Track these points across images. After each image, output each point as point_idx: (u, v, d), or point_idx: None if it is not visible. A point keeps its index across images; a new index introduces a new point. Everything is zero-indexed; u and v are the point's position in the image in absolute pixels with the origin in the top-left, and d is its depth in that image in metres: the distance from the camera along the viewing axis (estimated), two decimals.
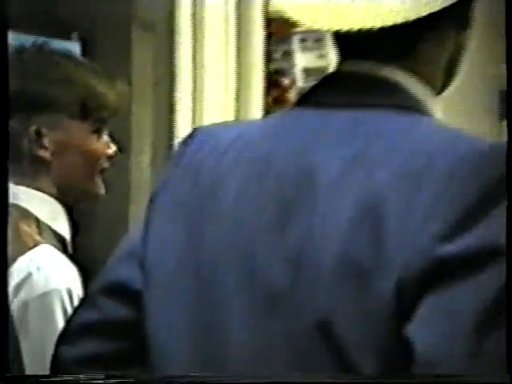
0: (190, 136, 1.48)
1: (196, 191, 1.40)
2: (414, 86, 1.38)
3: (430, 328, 1.26)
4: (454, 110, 3.26)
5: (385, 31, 1.32)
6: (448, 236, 1.26)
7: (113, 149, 2.15)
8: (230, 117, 3.21)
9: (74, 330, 1.49)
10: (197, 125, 3.08)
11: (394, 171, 1.29)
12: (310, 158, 1.34)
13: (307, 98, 1.43)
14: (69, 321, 1.52)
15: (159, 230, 1.42)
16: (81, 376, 1.43)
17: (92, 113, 2.11)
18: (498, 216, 1.26)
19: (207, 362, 1.37)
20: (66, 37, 3.08)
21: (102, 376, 1.41)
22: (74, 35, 3.09)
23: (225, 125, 1.66)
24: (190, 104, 3.21)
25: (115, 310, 1.45)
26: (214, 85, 3.24)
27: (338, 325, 1.28)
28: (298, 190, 1.33)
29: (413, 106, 1.37)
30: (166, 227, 1.41)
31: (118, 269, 1.46)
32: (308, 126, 1.37)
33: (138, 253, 1.43)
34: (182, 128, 3.11)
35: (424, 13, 1.32)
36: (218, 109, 3.23)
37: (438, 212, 1.27)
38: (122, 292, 1.44)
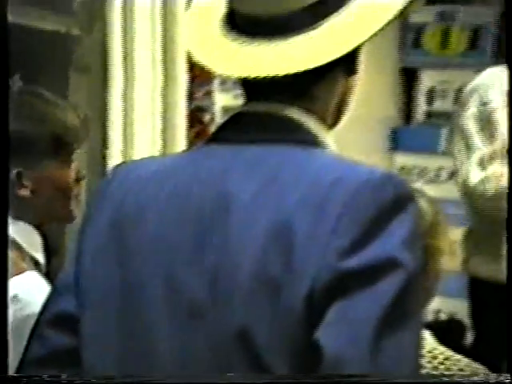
0: (114, 172, 1.48)
1: (121, 219, 1.39)
2: (311, 123, 1.40)
3: (336, 333, 1.27)
4: (349, 143, 3.30)
5: (285, 77, 1.34)
6: (349, 252, 1.28)
7: (82, 173, 2.15)
8: (157, 150, 3.24)
9: (27, 364, 1.47)
10: (128, 158, 3.12)
11: (300, 197, 1.31)
12: (224, 187, 1.35)
13: (218, 135, 1.44)
14: (22, 358, 1.50)
15: (90, 259, 1.41)
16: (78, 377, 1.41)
17: (65, 146, 2.09)
18: (393, 231, 1.29)
19: (134, 371, 1.37)
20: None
21: (104, 377, 1.39)
22: (16, 77, 3.07)
23: (146, 159, 1.67)
24: (121, 139, 3.22)
25: (61, 339, 1.44)
26: (142, 122, 3.27)
27: (256, 334, 1.29)
28: (215, 215, 1.34)
29: (310, 141, 1.39)
30: (96, 255, 1.41)
31: (58, 301, 1.44)
32: (221, 158, 1.38)
33: (73, 282, 1.42)
34: (115, 161, 3.11)
35: (321, 62, 1.35)
36: (146, 143, 3.25)
37: (340, 231, 1.29)
38: (64, 322, 1.43)
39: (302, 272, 1.28)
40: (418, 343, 1.34)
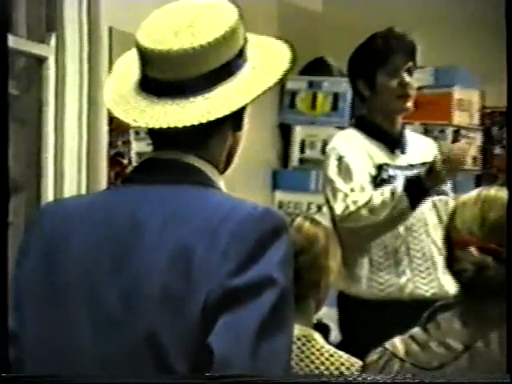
0: (42, 210, 1.49)
1: (51, 247, 1.38)
2: (206, 169, 1.41)
3: (224, 338, 1.28)
4: (238, 183, 3.30)
5: (186, 130, 1.35)
6: (236, 273, 1.29)
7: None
8: (83, 188, 3.21)
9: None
10: (58, 196, 3.08)
11: (197, 228, 1.32)
12: (136, 218, 1.35)
13: (132, 176, 1.45)
14: None
15: (26, 279, 1.39)
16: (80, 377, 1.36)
17: None
18: (270, 256, 1.30)
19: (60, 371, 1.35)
20: None
21: (105, 378, 1.35)
22: None
23: (71, 197, 1.66)
24: (52, 181, 3.20)
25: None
26: (71, 166, 3.24)
27: (161, 339, 1.29)
28: (128, 241, 1.34)
29: (206, 183, 1.40)
30: (31, 278, 1.39)
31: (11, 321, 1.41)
32: (134, 195, 1.38)
33: (15, 302, 1.40)
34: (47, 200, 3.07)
35: (213, 118, 1.36)
36: (74, 183, 3.23)
37: (229, 256, 1.30)
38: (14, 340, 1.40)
39: (199, 289, 1.28)
40: (290, 346, 1.35)
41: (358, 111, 3.42)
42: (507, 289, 1.10)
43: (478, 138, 4.28)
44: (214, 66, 1.36)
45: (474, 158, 4.24)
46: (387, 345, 1.81)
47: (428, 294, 2.81)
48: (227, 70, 1.37)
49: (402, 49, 2.88)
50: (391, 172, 2.87)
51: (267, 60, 1.41)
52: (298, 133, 4.32)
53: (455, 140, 4.09)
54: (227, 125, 1.40)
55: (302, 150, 4.33)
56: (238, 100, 1.37)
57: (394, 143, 2.93)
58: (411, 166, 2.91)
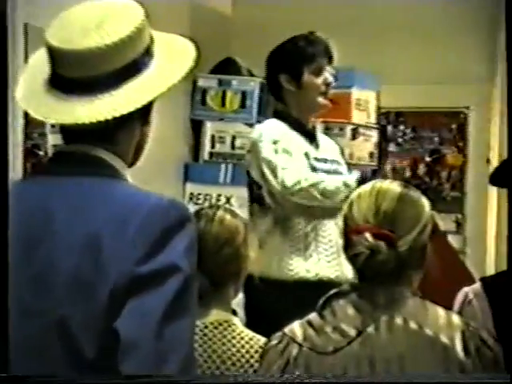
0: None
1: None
2: (115, 162, 1.41)
3: (130, 322, 1.29)
4: (151, 175, 3.29)
5: (94, 124, 1.35)
6: (143, 261, 1.30)
7: None
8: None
9: None
10: None
11: (107, 218, 1.34)
12: (48, 207, 1.35)
13: (45, 168, 1.46)
14: None
15: None
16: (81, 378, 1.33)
17: None
18: (175, 245, 1.31)
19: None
20: None
21: (105, 378, 1.32)
22: None
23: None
24: None
25: None
26: None
27: (72, 322, 1.29)
28: (41, 230, 1.34)
29: (114, 175, 1.40)
30: None
31: None
32: (46, 186, 1.38)
33: None
34: None
35: (120, 114, 1.36)
36: None
37: (137, 245, 1.31)
38: None
39: (107, 276, 1.29)
40: (193, 329, 1.36)
41: (267, 108, 3.44)
42: (508, 287, 1.09)
43: (374, 135, 4.35)
44: (121, 65, 1.36)
45: (371, 154, 4.32)
46: (286, 330, 1.83)
47: (332, 277, 2.87)
48: (133, 68, 1.38)
49: (325, 51, 2.98)
50: (314, 163, 2.92)
51: (172, 58, 1.42)
52: (209, 128, 4.33)
53: (354, 138, 4.15)
54: (135, 120, 1.41)
55: (212, 145, 4.33)
56: (144, 97, 1.37)
57: (310, 136, 2.99)
58: (326, 160, 2.98)
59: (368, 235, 1.77)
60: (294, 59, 2.96)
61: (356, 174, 2.87)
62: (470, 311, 1.97)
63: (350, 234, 1.82)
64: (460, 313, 1.97)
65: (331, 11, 4.37)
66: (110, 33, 1.35)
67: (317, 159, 2.96)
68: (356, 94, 4.25)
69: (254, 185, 2.96)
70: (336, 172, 3.00)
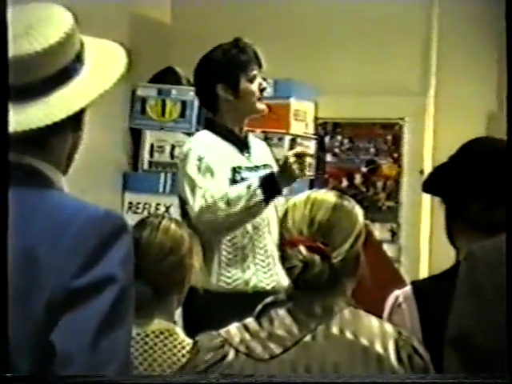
0: None
1: None
2: (48, 170, 1.39)
3: (66, 335, 1.27)
4: (90, 185, 3.24)
5: (27, 133, 1.32)
6: (79, 273, 1.27)
7: None
8: None
9: None
10: None
11: (42, 229, 1.30)
12: None
13: None
14: None
15: None
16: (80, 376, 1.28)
17: None
18: (112, 256, 1.29)
19: None
20: None
21: (107, 377, 1.27)
22: None
23: None
24: None
25: None
26: None
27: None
28: None
29: (49, 184, 1.38)
30: None
31: None
32: None
33: None
34: None
35: (52, 121, 1.34)
36: None
37: (72, 256, 1.28)
38: None
39: (43, 288, 1.26)
40: (129, 340, 1.35)
41: (205, 116, 3.44)
42: (507, 290, 1.11)
43: (312, 146, 4.38)
44: (52, 71, 1.34)
45: (309, 164, 4.33)
46: (222, 331, 1.82)
47: (269, 287, 2.89)
48: (65, 75, 1.36)
49: (255, 57, 3.01)
50: (244, 174, 2.94)
51: (103, 64, 1.40)
52: (148, 137, 4.30)
53: (292, 147, 4.17)
54: (67, 127, 1.39)
55: (152, 154, 4.30)
56: (75, 103, 1.36)
57: (242, 146, 3.01)
58: (257, 168, 3.00)
59: (302, 248, 1.77)
60: (229, 68, 2.97)
61: (260, 174, 2.90)
62: (399, 314, 1.99)
63: (285, 245, 1.82)
64: (390, 315, 2.00)
65: (271, 21, 4.39)
66: (39, 39, 1.33)
67: (248, 168, 2.98)
68: (294, 104, 4.27)
69: (181, 199, 2.99)
70: None
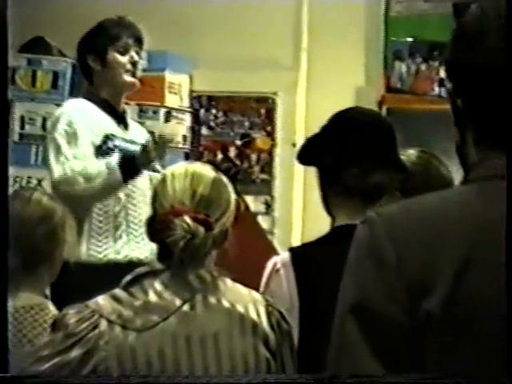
0: None
1: None
2: None
3: None
4: None
5: None
6: None
7: None
8: None
9: None
10: None
11: None
12: None
13: None
14: None
15: None
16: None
17: None
18: None
19: None
20: None
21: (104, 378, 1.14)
22: None
23: None
24: None
25: None
26: None
27: None
28: None
29: None
30: None
31: None
32: None
33: None
34: None
35: None
36: None
37: None
38: None
39: None
40: None
41: (81, 88, 3.41)
42: (507, 289, 1.06)
43: (187, 119, 4.33)
44: None
45: (184, 137, 4.29)
46: (90, 303, 1.77)
47: (141, 257, 2.86)
48: None
49: (132, 33, 3.01)
50: (117, 142, 2.91)
51: None
52: (18, 109, 4.15)
53: (167, 120, 4.12)
54: None
55: (22, 126, 4.15)
56: None
57: (119, 118, 3.00)
58: (135, 142, 2.97)
59: (187, 219, 1.75)
60: (98, 39, 3.00)
61: (118, 155, 2.89)
62: (277, 280, 2.01)
63: (165, 215, 1.78)
64: (268, 281, 2.02)
65: None
66: None
67: (124, 140, 2.96)
68: (169, 77, 4.22)
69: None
70: None
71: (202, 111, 4.48)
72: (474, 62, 1.14)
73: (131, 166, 2.82)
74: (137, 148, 2.91)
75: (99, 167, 2.81)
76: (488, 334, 1.04)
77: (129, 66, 2.98)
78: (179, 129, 4.22)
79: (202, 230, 1.76)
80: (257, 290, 1.97)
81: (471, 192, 1.13)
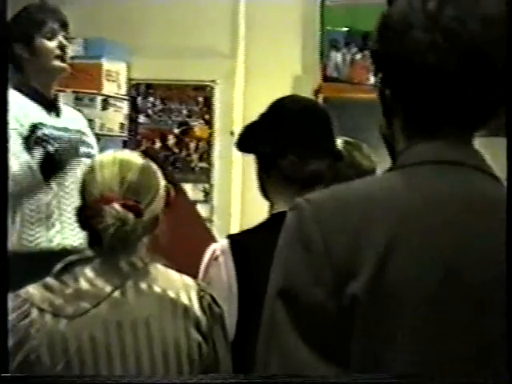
0: None
1: None
2: None
3: None
4: None
5: None
6: None
7: None
8: None
9: None
10: None
11: None
12: None
13: None
14: None
15: None
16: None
17: None
18: None
19: None
20: None
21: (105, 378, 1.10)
22: None
23: None
24: None
25: None
26: None
27: None
28: None
29: None
30: None
31: None
32: None
33: None
34: None
35: None
36: None
37: None
38: None
39: None
40: None
41: (13, 76, 3.34)
42: (507, 289, 1.04)
43: (124, 107, 4.29)
44: None
45: (122, 125, 4.26)
46: (20, 292, 1.76)
47: (75, 244, 2.84)
48: None
49: (57, 18, 2.98)
50: (46, 131, 2.87)
51: None
52: None
53: (104, 108, 4.07)
54: None
55: None
56: None
57: (49, 106, 2.96)
58: (66, 129, 2.95)
59: (117, 206, 1.75)
60: (24, 26, 2.96)
61: (41, 153, 2.87)
62: (216, 266, 2.02)
63: (95, 202, 1.78)
64: (207, 268, 2.03)
65: None
66: None
67: (56, 128, 2.93)
68: (106, 64, 4.17)
69: None
70: (83, 142, 3.00)
71: (140, 99, 4.45)
72: (400, 54, 1.16)
73: (51, 165, 2.82)
74: (70, 135, 2.90)
75: (23, 167, 2.78)
76: (411, 319, 1.05)
77: (58, 52, 2.95)
78: (117, 117, 4.19)
79: (131, 216, 1.77)
80: (196, 277, 1.97)
81: (396, 178, 1.15)
